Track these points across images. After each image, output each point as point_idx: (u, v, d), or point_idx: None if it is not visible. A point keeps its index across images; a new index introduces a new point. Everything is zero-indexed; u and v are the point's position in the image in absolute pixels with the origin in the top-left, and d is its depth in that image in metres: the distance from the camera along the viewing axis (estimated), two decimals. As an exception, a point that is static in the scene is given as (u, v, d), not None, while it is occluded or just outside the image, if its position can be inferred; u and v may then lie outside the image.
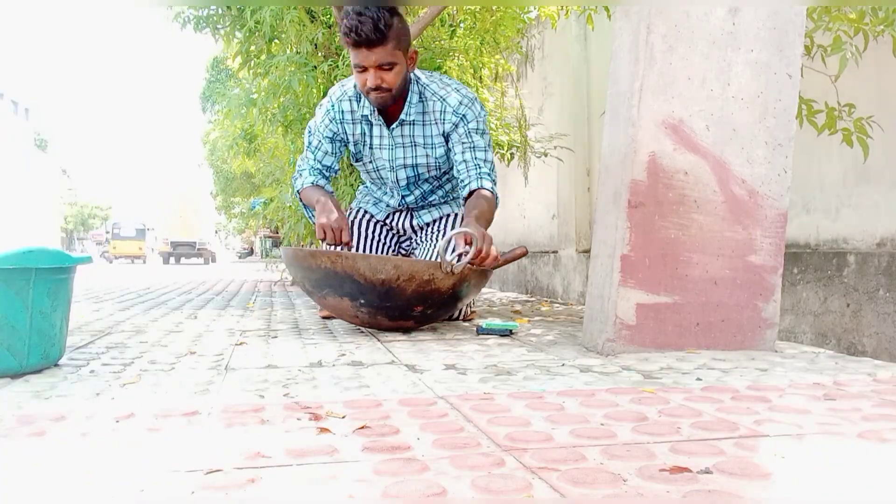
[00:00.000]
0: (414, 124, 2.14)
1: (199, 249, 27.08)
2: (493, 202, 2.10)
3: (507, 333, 1.85)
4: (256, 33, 3.32)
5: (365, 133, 2.19)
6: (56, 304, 1.37)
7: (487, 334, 1.86)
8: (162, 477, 0.71)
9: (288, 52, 3.33)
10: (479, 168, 2.11)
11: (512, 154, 3.66)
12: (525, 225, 4.96)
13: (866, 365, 1.38)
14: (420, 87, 2.12)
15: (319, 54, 3.32)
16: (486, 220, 2.03)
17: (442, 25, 3.43)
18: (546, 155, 3.70)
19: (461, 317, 2.24)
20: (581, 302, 3.63)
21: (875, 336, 2.22)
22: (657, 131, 1.49)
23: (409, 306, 1.80)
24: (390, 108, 2.11)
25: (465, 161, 2.12)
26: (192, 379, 1.25)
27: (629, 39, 1.54)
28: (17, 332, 1.30)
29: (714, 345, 1.53)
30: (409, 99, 2.10)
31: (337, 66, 3.02)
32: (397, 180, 2.26)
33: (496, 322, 1.96)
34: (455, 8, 3.35)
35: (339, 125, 2.17)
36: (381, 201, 2.40)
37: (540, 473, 0.71)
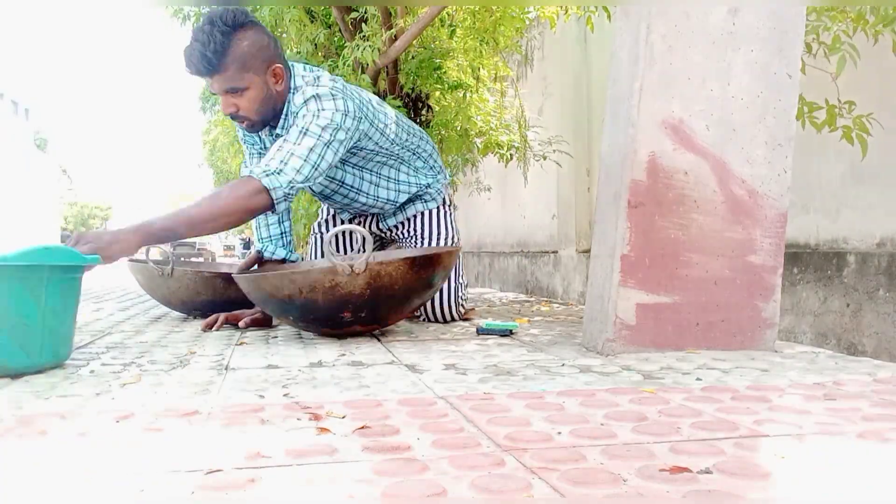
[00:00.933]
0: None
1: (199, 250, 27.10)
2: (236, 194, 1.73)
3: (507, 333, 1.85)
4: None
5: (261, 153, 2.09)
6: (67, 303, 1.38)
7: (487, 334, 1.86)
8: (162, 477, 0.71)
9: (288, 52, 3.33)
10: (270, 159, 1.77)
11: (511, 155, 3.66)
12: (525, 225, 4.96)
13: (866, 365, 1.38)
14: (296, 93, 1.87)
15: (319, 54, 3.33)
16: (188, 217, 1.70)
17: (442, 25, 3.43)
18: (545, 158, 3.70)
19: (457, 316, 2.21)
20: (581, 302, 3.63)
21: (875, 336, 2.22)
22: (657, 131, 1.49)
23: (334, 314, 1.71)
24: (273, 124, 1.93)
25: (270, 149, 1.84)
26: (192, 379, 1.25)
27: (629, 39, 1.54)
28: (31, 329, 1.30)
29: (714, 345, 1.53)
30: (285, 111, 1.90)
31: (337, 66, 3.02)
32: (324, 192, 2.11)
33: (496, 322, 1.96)
34: (455, 8, 3.35)
35: (245, 146, 2.10)
36: (341, 211, 2.30)
37: (540, 473, 0.71)
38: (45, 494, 0.67)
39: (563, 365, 1.39)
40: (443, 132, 3.40)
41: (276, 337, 1.86)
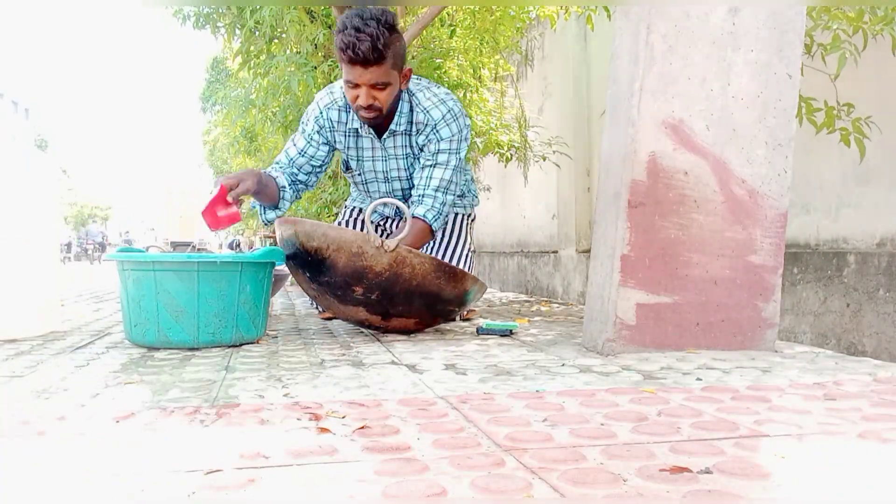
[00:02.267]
0: (404, 135, 2.10)
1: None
2: (425, 232, 2.05)
3: (507, 333, 1.85)
4: (256, 33, 3.32)
5: (354, 145, 2.15)
6: (269, 290, 1.80)
7: (487, 334, 1.86)
8: (162, 477, 0.71)
9: (288, 52, 3.33)
10: (424, 190, 2.05)
11: (511, 155, 3.66)
12: (525, 225, 4.96)
13: (866, 365, 1.38)
14: (409, 95, 2.08)
15: (319, 54, 3.33)
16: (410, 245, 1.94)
17: (442, 25, 3.43)
18: (544, 159, 3.71)
19: (457, 316, 2.21)
20: (581, 302, 3.63)
21: (875, 336, 2.22)
22: (657, 131, 1.49)
23: (347, 284, 1.71)
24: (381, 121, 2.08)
25: (420, 178, 2.08)
26: (193, 379, 1.25)
27: (629, 39, 1.54)
28: (258, 310, 1.73)
29: (714, 345, 1.53)
30: (399, 109, 2.06)
31: (336, 66, 3.02)
32: (391, 191, 2.24)
33: (496, 322, 1.95)
34: (455, 8, 3.35)
35: (330, 133, 2.13)
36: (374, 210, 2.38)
37: (540, 473, 0.71)
38: (46, 495, 0.67)
39: (563, 365, 1.39)
40: (443, 132, 3.40)
41: (277, 337, 1.86)
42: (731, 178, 1.52)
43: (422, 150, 2.11)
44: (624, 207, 1.48)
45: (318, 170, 2.18)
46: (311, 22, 3.28)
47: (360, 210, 2.43)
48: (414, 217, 2.02)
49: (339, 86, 2.12)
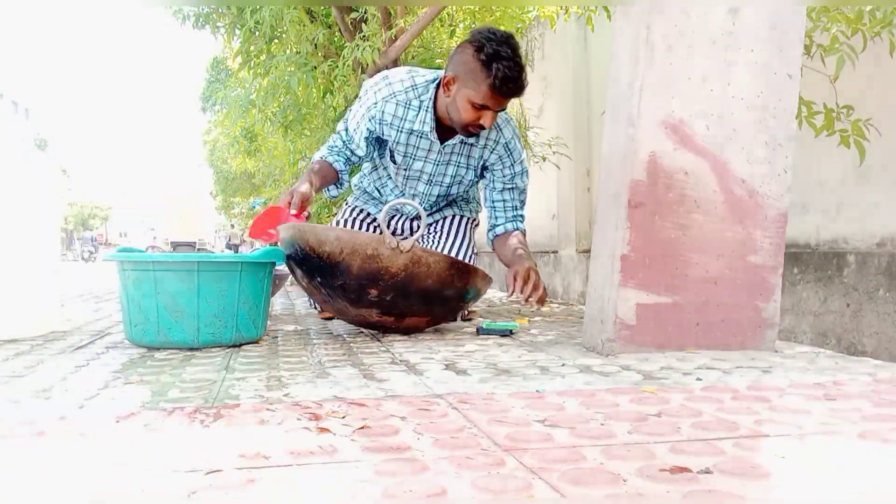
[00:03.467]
0: (464, 144, 2.11)
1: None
2: (526, 240, 2.22)
3: (507, 333, 1.85)
4: (256, 33, 3.32)
5: (406, 142, 2.12)
6: (268, 290, 1.80)
7: (488, 334, 1.86)
8: (162, 477, 0.71)
9: (288, 52, 3.33)
10: (516, 210, 2.20)
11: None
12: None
13: (866, 365, 1.38)
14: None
15: (319, 54, 3.32)
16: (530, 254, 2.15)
17: (442, 25, 3.43)
18: (544, 160, 3.70)
19: (458, 316, 2.22)
20: (581, 302, 3.63)
21: (875, 336, 2.22)
22: (657, 131, 1.49)
23: (362, 287, 1.71)
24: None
25: (503, 200, 2.18)
26: (193, 379, 1.25)
27: (629, 39, 1.54)
28: (258, 310, 1.73)
29: (714, 345, 1.53)
30: None
31: (337, 67, 3.02)
32: (429, 194, 2.24)
33: (496, 322, 1.95)
34: (455, 8, 3.35)
35: (378, 125, 2.09)
36: (383, 204, 2.38)
37: (540, 473, 0.71)
38: (45, 495, 0.67)
39: (563, 365, 1.39)
40: (443, 132, 3.40)
41: (277, 338, 1.86)
42: (731, 177, 1.52)
43: (484, 164, 2.15)
44: (624, 207, 1.48)
45: (365, 151, 2.19)
46: (311, 22, 3.28)
47: (362, 210, 2.42)
48: (517, 231, 2.19)
49: (397, 78, 2.08)
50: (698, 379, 1.23)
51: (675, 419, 0.93)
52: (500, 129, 2.11)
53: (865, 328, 2.25)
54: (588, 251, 3.76)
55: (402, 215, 2.38)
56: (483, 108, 1.92)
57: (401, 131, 2.10)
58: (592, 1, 2.90)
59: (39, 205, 1.90)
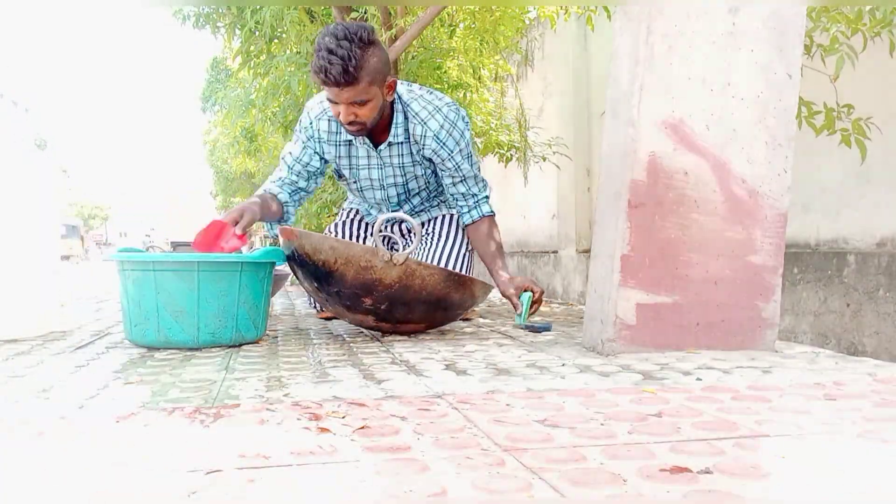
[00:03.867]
0: (402, 144, 2.09)
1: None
2: (495, 222, 2.20)
3: (540, 330, 1.90)
4: (256, 33, 3.32)
5: (346, 154, 2.14)
6: (269, 290, 1.80)
7: (533, 331, 1.91)
8: (162, 477, 0.71)
9: (288, 52, 3.33)
10: (476, 196, 2.16)
11: (511, 155, 3.66)
12: (525, 225, 4.96)
13: (866, 365, 1.38)
14: (403, 105, 2.05)
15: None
16: (502, 248, 2.15)
17: (442, 25, 3.43)
18: (544, 159, 3.70)
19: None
20: (581, 302, 3.63)
21: (875, 336, 2.22)
22: (657, 131, 1.49)
23: (357, 296, 1.72)
24: (374, 129, 2.05)
25: (459, 193, 2.14)
26: (193, 379, 1.25)
27: (629, 39, 1.54)
28: (258, 310, 1.73)
29: (714, 345, 1.53)
30: (394, 119, 2.04)
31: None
32: (387, 198, 2.24)
33: (534, 321, 2.00)
34: (455, 8, 3.35)
35: (317, 144, 2.12)
36: (370, 214, 2.39)
37: (540, 473, 0.71)
38: (45, 495, 0.67)
39: (563, 365, 1.39)
40: (443, 132, 3.40)
41: (277, 338, 1.86)
42: (731, 178, 1.52)
43: (426, 158, 2.11)
44: (624, 207, 1.48)
45: (316, 175, 2.18)
46: (311, 22, 3.28)
47: (358, 211, 2.43)
48: (483, 218, 2.17)
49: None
50: (698, 379, 1.23)
51: (675, 419, 0.94)
52: (425, 122, 2.04)
53: (865, 328, 2.25)
54: (588, 251, 3.76)
55: (398, 220, 2.38)
56: (334, 102, 1.91)
57: (338, 145, 2.13)
58: (592, 1, 2.90)
59: (39, 205, 1.90)
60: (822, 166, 2.47)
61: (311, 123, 2.11)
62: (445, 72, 3.36)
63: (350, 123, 1.94)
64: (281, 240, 1.86)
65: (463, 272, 2.20)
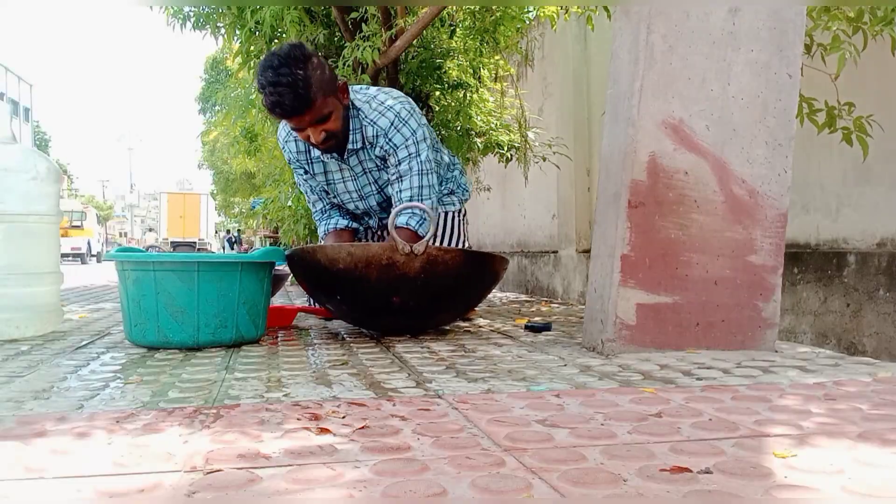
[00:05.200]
0: (364, 149, 2.05)
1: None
2: (412, 238, 1.95)
3: (540, 330, 1.93)
4: (256, 33, 3.32)
5: (322, 170, 2.14)
6: (269, 290, 1.80)
7: (531, 331, 1.93)
8: (162, 477, 0.71)
9: (288, 52, 3.32)
10: (413, 197, 2.01)
11: (511, 155, 3.66)
12: (525, 225, 4.96)
13: (866, 365, 1.38)
14: (356, 110, 2.01)
15: (319, 54, 3.32)
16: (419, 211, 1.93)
17: (442, 25, 3.42)
18: (544, 159, 3.70)
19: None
20: (581, 302, 3.63)
21: (875, 336, 2.22)
22: (657, 131, 1.49)
23: (384, 297, 1.70)
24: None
25: (394, 195, 2.04)
26: (193, 379, 1.25)
27: (629, 39, 1.54)
28: (258, 310, 1.73)
29: (714, 345, 1.53)
30: (351, 126, 2.00)
31: (337, 66, 3.02)
32: (369, 207, 2.21)
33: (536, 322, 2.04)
34: (455, 8, 3.35)
35: (298, 164, 2.13)
36: (361, 222, 2.37)
37: (540, 473, 0.71)
38: (45, 495, 0.67)
39: (563, 365, 1.39)
40: (443, 132, 3.41)
41: (277, 338, 1.86)
42: (731, 178, 1.52)
43: (384, 160, 2.07)
44: (624, 207, 1.48)
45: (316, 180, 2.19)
46: (311, 22, 3.27)
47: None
48: (398, 228, 1.90)
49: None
50: (698, 379, 1.23)
51: (675, 419, 0.93)
52: (376, 123, 1.99)
53: (865, 328, 2.25)
54: (588, 251, 3.76)
55: (370, 218, 2.35)
56: (298, 130, 1.90)
57: (311, 163, 2.13)
58: (592, 1, 2.90)
59: (39, 205, 1.90)
60: (822, 166, 2.47)
61: (284, 148, 2.13)
62: (445, 72, 3.35)
63: (323, 142, 1.92)
64: (294, 267, 1.84)
65: None
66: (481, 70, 3.59)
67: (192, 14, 3.50)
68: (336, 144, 1.97)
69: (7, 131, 1.86)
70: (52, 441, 0.85)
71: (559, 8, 3.50)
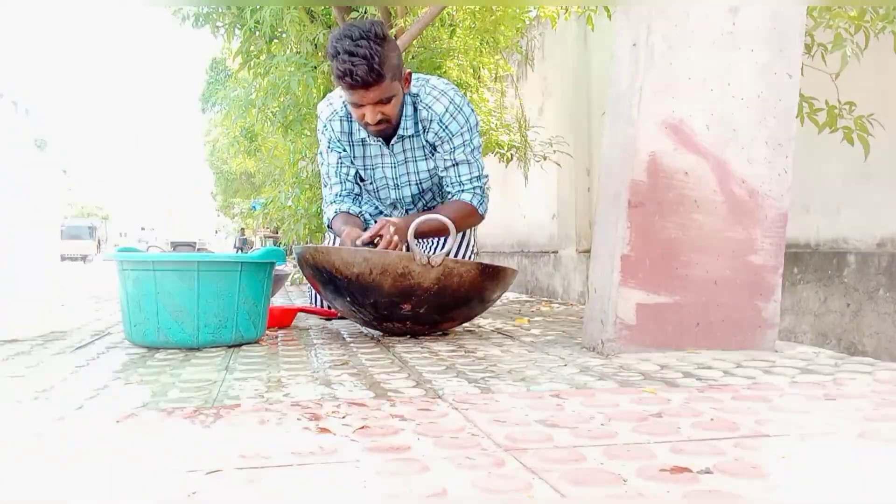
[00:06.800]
0: (412, 137, 2.07)
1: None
2: (468, 211, 2.06)
3: None
4: (256, 33, 3.32)
5: (361, 154, 2.14)
6: (269, 290, 1.80)
7: None
8: (162, 477, 0.71)
9: (288, 52, 3.33)
10: (462, 185, 2.08)
11: (511, 155, 3.66)
12: (525, 225, 4.96)
13: (866, 365, 1.38)
14: (411, 97, 2.03)
15: (319, 54, 3.32)
16: (438, 221, 1.81)
17: (442, 25, 3.43)
18: (544, 159, 3.70)
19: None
20: (581, 302, 3.63)
21: (875, 336, 2.22)
22: (657, 131, 1.49)
23: (395, 304, 1.71)
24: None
25: (448, 178, 2.08)
26: (193, 379, 1.25)
27: (629, 39, 1.54)
28: (258, 309, 1.73)
29: (714, 345, 1.53)
30: (403, 112, 2.02)
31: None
32: (401, 197, 2.21)
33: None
34: (455, 8, 3.35)
35: (338, 144, 2.12)
36: (381, 213, 2.38)
37: (540, 473, 0.71)
38: (45, 495, 0.67)
39: (563, 365, 1.39)
40: (443, 132, 3.40)
41: (278, 338, 1.86)
42: (732, 178, 1.52)
43: (434, 148, 2.08)
44: (624, 207, 1.48)
45: (356, 175, 2.18)
46: (311, 22, 3.28)
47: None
48: (461, 199, 2.05)
49: (337, 95, 2.09)
50: (698, 379, 1.23)
51: (675, 419, 0.93)
52: (431, 107, 2.01)
53: (865, 328, 2.25)
54: (588, 251, 3.76)
55: (396, 209, 2.36)
56: (359, 105, 1.89)
57: (353, 145, 2.12)
58: (592, 1, 2.90)
59: (39, 205, 1.90)
60: (822, 166, 2.47)
61: (326, 127, 2.11)
62: (445, 72, 3.36)
63: (377, 123, 1.92)
64: (301, 258, 1.83)
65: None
66: (481, 70, 3.60)
67: (191, 14, 3.51)
68: (386, 130, 1.98)
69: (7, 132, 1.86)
70: (51, 441, 0.85)
71: (559, 8, 3.50)
